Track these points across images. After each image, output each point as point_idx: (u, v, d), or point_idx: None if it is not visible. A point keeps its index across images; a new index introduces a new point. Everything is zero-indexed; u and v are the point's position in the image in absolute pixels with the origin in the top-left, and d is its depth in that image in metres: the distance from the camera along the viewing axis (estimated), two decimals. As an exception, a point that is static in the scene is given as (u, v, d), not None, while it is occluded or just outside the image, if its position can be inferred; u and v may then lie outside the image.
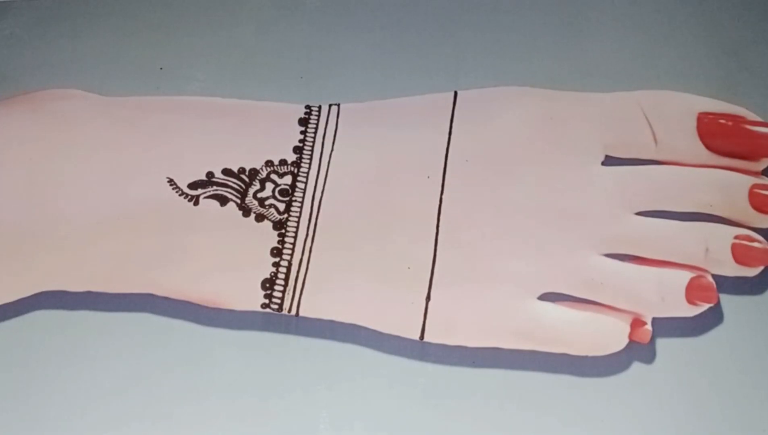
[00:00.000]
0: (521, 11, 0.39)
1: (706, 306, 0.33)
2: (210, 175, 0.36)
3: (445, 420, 0.31)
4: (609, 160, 0.36)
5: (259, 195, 0.36)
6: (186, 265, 0.34)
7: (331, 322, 0.33)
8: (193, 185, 0.36)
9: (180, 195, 0.36)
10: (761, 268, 0.34)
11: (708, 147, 0.36)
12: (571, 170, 0.36)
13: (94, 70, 0.39)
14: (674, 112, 0.36)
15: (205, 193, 0.36)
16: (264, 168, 0.36)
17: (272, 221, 0.35)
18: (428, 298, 0.33)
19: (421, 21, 0.38)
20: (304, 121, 0.37)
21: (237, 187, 0.36)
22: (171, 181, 0.36)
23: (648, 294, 0.33)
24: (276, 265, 0.34)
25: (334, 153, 0.36)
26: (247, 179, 0.36)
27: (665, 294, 0.33)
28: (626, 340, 0.32)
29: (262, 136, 0.37)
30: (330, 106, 0.38)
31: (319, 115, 0.37)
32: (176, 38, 0.40)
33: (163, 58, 0.40)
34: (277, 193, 0.36)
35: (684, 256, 0.34)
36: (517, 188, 0.35)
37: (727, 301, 0.33)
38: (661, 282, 0.33)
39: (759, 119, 0.35)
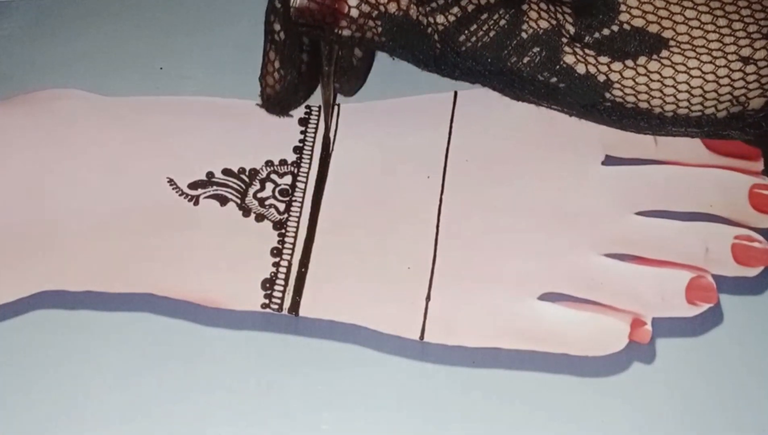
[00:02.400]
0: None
1: (706, 306, 0.33)
2: (210, 175, 0.36)
3: (445, 420, 0.31)
4: (609, 160, 0.36)
5: (259, 195, 0.36)
6: (186, 265, 0.34)
7: (331, 322, 0.33)
8: (193, 185, 0.36)
9: (180, 195, 0.36)
10: (761, 268, 0.34)
11: (708, 147, 0.36)
12: (571, 170, 0.36)
13: (94, 70, 0.39)
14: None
15: (205, 193, 0.36)
16: (264, 168, 0.36)
17: (272, 221, 0.35)
18: (428, 298, 0.33)
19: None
20: (304, 121, 0.37)
21: (237, 187, 0.36)
22: (171, 181, 0.36)
23: (648, 294, 0.33)
24: (276, 265, 0.34)
25: (334, 153, 0.36)
26: (247, 179, 0.36)
27: (665, 294, 0.33)
28: (626, 340, 0.32)
29: (262, 136, 0.37)
30: (330, 106, 0.38)
31: (319, 115, 0.37)
32: (176, 38, 0.40)
33: (163, 58, 0.40)
34: (277, 193, 0.36)
35: (684, 256, 0.34)
36: (517, 188, 0.35)
37: (727, 301, 0.33)
38: (661, 282, 0.33)
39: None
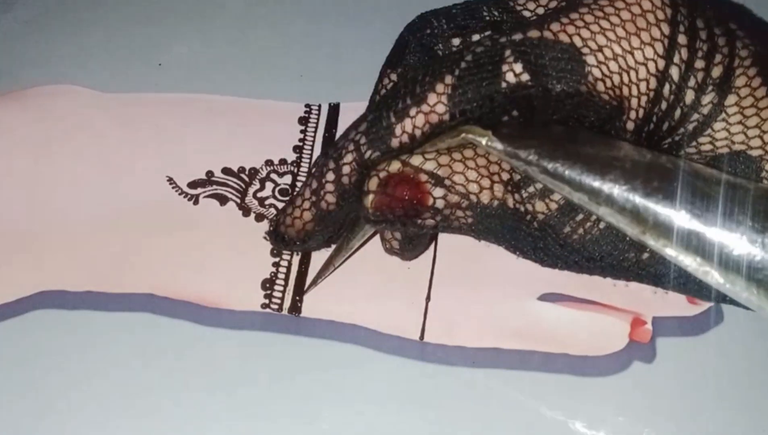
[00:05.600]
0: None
1: (706, 305, 0.33)
2: (210, 174, 0.36)
3: (445, 420, 0.31)
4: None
5: (258, 194, 0.36)
6: (186, 265, 0.34)
7: (331, 322, 0.33)
8: (192, 184, 0.36)
9: (179, 194, 0.36)
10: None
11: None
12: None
13: (92, 66, 0.39)
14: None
15: (204, 192, 0.36)
16: (264, 167, 0.36)
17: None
18: (428, 298, 0.33)
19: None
20: (304, 120, 0.37)
21: (237, 187, 0.36)
22: (170, 180, 0.36)
23: (648, 293, 0.33)
24: (276, 265, 0.34)
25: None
26: (246, 178, 0.36)
27: (665, 293, 0.33)
28: (626, 340, 0.32)
29: (261, 135, 0.37)
30: (330, 105, 0.38)
31: (319, 114, 0.37)
32: (175, 35, 0.40)
33: (162, 55, 0.39)
34: (277, 193, 0.36)
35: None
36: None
37: (728, 300, 0.33)
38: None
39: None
